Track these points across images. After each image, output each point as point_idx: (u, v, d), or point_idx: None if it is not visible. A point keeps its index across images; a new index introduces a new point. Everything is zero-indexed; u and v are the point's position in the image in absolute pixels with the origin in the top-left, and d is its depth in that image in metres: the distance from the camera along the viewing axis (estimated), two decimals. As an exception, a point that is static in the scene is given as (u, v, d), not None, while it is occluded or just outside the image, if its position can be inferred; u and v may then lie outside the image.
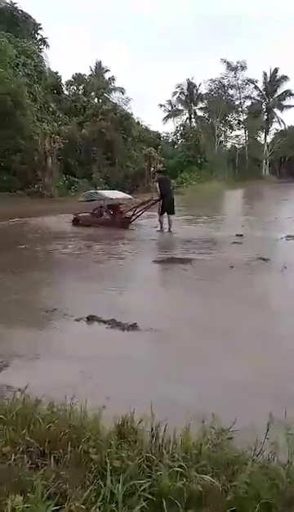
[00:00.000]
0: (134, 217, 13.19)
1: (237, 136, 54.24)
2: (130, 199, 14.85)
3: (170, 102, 52.93)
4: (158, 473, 1.94)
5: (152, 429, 2.31)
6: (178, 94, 52.41)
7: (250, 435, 2.20)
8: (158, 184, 12.45)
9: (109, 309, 5.06)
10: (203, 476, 1.90)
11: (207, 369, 3.59)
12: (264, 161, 53.08)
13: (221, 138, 52.56)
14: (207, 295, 6.00)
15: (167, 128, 59.01)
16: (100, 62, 41.47)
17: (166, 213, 12.17)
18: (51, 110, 30.14)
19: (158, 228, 12.35)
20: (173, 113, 52.79)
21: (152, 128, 42.06)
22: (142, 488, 1.84)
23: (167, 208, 12.11)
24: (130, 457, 2.04)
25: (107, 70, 41.53)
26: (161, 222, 12.32)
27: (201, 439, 2.21)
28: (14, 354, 3.81)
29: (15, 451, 2.05)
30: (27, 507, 1.67)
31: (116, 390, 3.13)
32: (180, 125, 49.90)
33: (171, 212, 12.21)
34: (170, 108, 53.07)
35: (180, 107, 53.04)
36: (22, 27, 29.58)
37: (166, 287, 6.71)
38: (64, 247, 10.16)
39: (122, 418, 2.43)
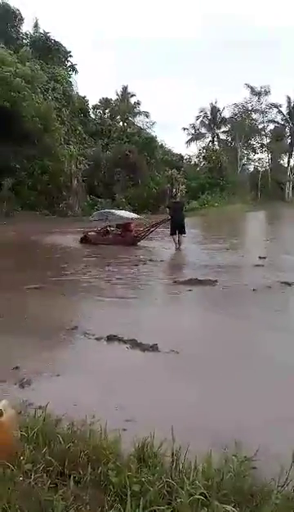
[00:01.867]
0: (142, 236, 14.05)
1: (260, 159, 54.45)
2: (140, 219, 16.04)
3: (193, 126, 53.85)
4: (179, 500, 1.90)
5: (172, 454, 2.27)
6: (201, 118, 53.32)
7: (274, 465, 2.13)
8: (168, 209, 14.97)
9: (130, 329, 5.05)
10: (226, 506, 1.84)
11: (229, 394, 3.51)
12: (287, 184, 52.79)
13: (244, 161, 52.85)
14: (230, 318, 5.91)
15: (190, 151, 59.72)
16: (126, 87, 42.87)
17: (177, 232, 13.45)
18: (77, 132, 31.18)
19: (175, 247, 13.32)
20: (196, 136, 53.58)
21: (175, 151, 42.81)
22: (163, 515, 1.79)
23: (177, 227, 13.44)
24: (150, 482, 2.01)
25: (132, 95, 42.83)
26: (174, 240, 13.53)
27: (223, 467, 2.15)
28: (35, 371, 3.83)
29: (35, 470, 2.05)
30: (46, 528, 1.66)
31: (136, 412, 3.09)
32: (203, 148, 50.54)
33: (181, 231, 13.48)
34: (193, 131, 53.93)
35: (204, 131, 53.86)
36: (53, 54, 31.12)
37: (187, 309, 6.64)
38: (82, 266, 10.32)
39: (142, 441, 2.39)
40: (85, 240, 14.25)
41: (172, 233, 13.49)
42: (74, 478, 2.04)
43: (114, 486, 2.01)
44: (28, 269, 9.78)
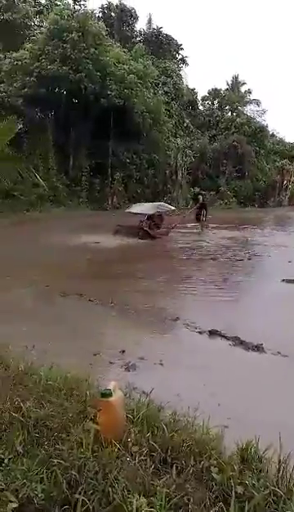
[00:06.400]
0: (173, 227, 14.62)
1: None
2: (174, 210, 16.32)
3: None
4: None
5: (279, 461, 2.14)
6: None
7: None
8: (201, 197, 17.61)
9: (233, 326, 4.92)
10: None
11: None
12: None
13: None
14: None
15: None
16: (236, 76, 41.33)
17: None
18: (185, 125, 31.23)
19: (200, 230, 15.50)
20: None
21: (288, 140, 40.03)
22: (269, 525, 1.70)
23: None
24: (255, 487, 1.92)
25: (243, 83, 41.15)
26: (206, 226, 15.91)
27: None
28: (140, 357, 3.98)
29: (140, 453, 2.12)
30: (151, 511, 1.70)
31: (238, 412, 3.00)
32: (320, 135, 46.24)
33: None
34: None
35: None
36: (165, 49, 31.56)
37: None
38: (183, 258, 10.36)
39: (247, 442, 2.31)
40: (144, 235, 13.00)
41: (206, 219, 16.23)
42: (177, 467, 2.06)
43: (217, 483, 1.98)
44: (132, 261, 10.19)
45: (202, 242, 13.07)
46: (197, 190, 19.93)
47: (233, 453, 2.26)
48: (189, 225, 16.03)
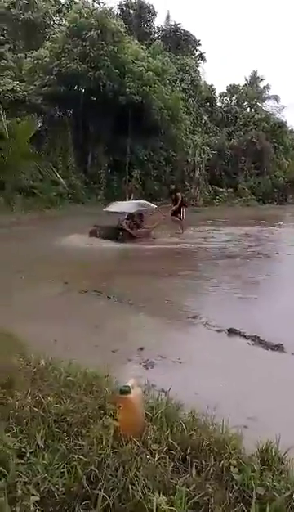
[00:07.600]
0: (154, 226, 13.47)
1: None
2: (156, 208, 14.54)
3: None
4: (309, 515, 1.75)
5: (301, 463, 2.11)
6: None
7: None
8: (181, 197, 15.67)
9: (252, 325, 4.86)
10: None
11: None
12: None
13: None
14: None
15: None
16: (255, 72, 40.67)
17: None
18: (203, 122, 30.97)
19: (180, 231, 14.13)
20: None
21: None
22: (291, 528, 1.68)
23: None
24: (276, 488, 1.90)
25: (262, 79, 40.47)
26: (184, 225, 14.44)
27: None
28: (159, 354, 3.98)
29: (159, 450, 2.12)
30: (171, 509, 1.69)
31: (258, 412, 2.96)
32: None
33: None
34: None
35: None
36: (183, 45, 31.31)
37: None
38: (199, 258, 10.28)
39: (267, 443, 2.28)
40: (125, 236, 12.06)
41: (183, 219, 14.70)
42: (196, 466, 2.05)
43: (237, 483, 1.96)
44: (148, 259, 10.19)
45: (220, 241, 12.89)
46: (172, 187, 18.47)
47: (253, 453, 2.24)
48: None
